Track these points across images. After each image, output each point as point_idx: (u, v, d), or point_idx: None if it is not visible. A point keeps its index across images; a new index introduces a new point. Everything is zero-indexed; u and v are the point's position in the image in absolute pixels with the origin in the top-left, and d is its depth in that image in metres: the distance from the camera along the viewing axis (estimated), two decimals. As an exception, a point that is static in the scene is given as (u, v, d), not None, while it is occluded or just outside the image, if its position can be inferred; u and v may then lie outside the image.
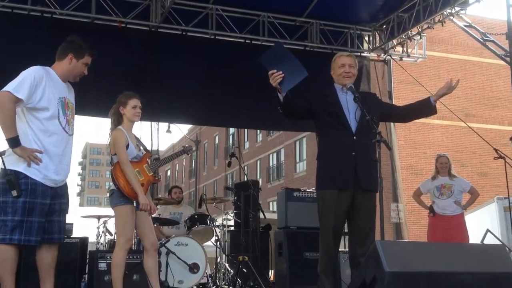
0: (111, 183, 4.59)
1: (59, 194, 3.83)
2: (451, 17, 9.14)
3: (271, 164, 31.42)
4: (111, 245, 6.86)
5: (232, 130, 35.40)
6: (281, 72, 3.88)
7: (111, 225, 7.09)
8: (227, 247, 7.75)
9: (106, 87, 6.96)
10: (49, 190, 3.73)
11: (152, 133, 9.36)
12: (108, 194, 4.80)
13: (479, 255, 2.78)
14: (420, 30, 9.62)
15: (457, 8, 8.76)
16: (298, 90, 4.06)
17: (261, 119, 9.45)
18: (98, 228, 7.53)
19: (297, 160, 28.08)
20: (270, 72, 3.90)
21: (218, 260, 7.52)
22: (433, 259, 2.61)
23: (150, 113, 8.07)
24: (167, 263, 6.45)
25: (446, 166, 6.82)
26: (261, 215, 7.46)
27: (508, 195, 7.77)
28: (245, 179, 8.17)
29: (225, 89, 8.78)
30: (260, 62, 3.96)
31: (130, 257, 5.37)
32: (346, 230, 4.30)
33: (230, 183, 32.47)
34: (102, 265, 5.60)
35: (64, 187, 3.92)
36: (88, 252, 6.32)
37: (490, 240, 9.44)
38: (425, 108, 4.29)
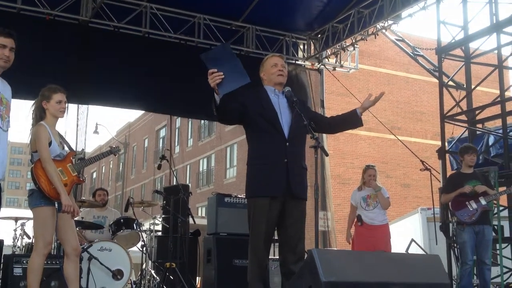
0: (32, 183, 4.28)
1: None
2: (384, 30, 9.38)
3: (201, 169, 31.14)
4: (29, 249, 6.47)
5: (162, 133, 34.84)
6: (221, 73, 3.70)
7: (29, 227, 6.67)
8: (154, 253, 7.50)
9: (32, 83, 6.57)
10: None
11: (78, 131, 8.94)
12: (27, 195, 4.46)
13: (414, 265, 2.76)
14: (353, 41, 9.80)
15: (390, 22, 9.00)
16: (231, 92, 3.92)
17: (196, 111, 9.57)
18: (15, 230, 7.09)
19: (228, 166, 27.98)
20: (210, 71, 3.72)
21: (144, 266, 7.25)
22: (369, 269, 2.56)
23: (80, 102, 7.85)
24: (88, 269, 6.13)
25: (374, 178, 6.89)
26: (191, 221, 7.26)
27: (433, 206, 8.01)
28: (175, 183, 7.95)
29: (158, 85, 8.62)
30: (202, 59, 3.78)
31: (49, 262, 5.03)
32: (275, 237, 4.20)
33: (159, 188, 31.86)
34: (17, 270, 5.24)
35: None
36: (2, 256, 5.90)
37: (414, 249, 9.70)
38: (352, 120, 4.22)
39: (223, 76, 3.70)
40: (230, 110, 4.00)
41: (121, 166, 39.97)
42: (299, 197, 4.00)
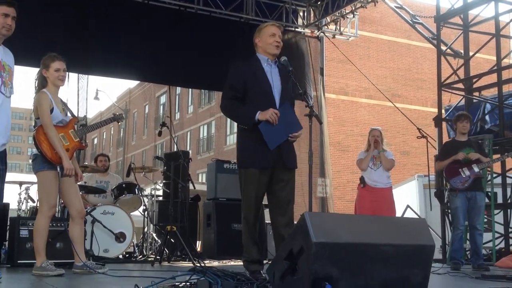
0: (34, 149, 4.41)
1: None
2: (384, -3, 9.36)
3: (201, 135, 31.27)
4: (33, 212, 6.63)
5: (163, 99, 34.83)
6: (276, 120, 3.89)
7: (33, 191, 6.84)
8: (155, 217, 7.69)
9: (33, 50, 6.63)
10: None
11: (79, 98, 9.02)
12: (30, 160, 4.60)
13: (401, 228, 2.91)
14: (353, 8, 9.78)
15: (390, -11, 8.97)
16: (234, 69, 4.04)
17: (195, 81, 9.62)
18: (19, 194, 7.24)
19: (228, 132, 28.09)
20: (276, 112, 3.91)
21: (146, 229, 7.45)
22: (358, 231, 2.70)
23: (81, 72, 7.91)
24: (92, 232, 6.32)
25: (379, 139, 6.83)
26: (191, 186, 7.42)
27: (429, 173, 8.15)
28: (176, 149, 8.08)
29: (156, 54, 8.65)
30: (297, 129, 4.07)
31: (54, 224, 5.21)
32: (265, 203, 4.30)
33: (160, 154, 32.04)
34: (23, 232, 5.40)
35: (3, 152, 3.76)
36: (8, 219, 6.07)
37: (409, 215, 9.90)
38: None
39: (275, 124, 3.89)
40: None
41: (122, 132, 40.09)
42: (290, 167, 4.10)
